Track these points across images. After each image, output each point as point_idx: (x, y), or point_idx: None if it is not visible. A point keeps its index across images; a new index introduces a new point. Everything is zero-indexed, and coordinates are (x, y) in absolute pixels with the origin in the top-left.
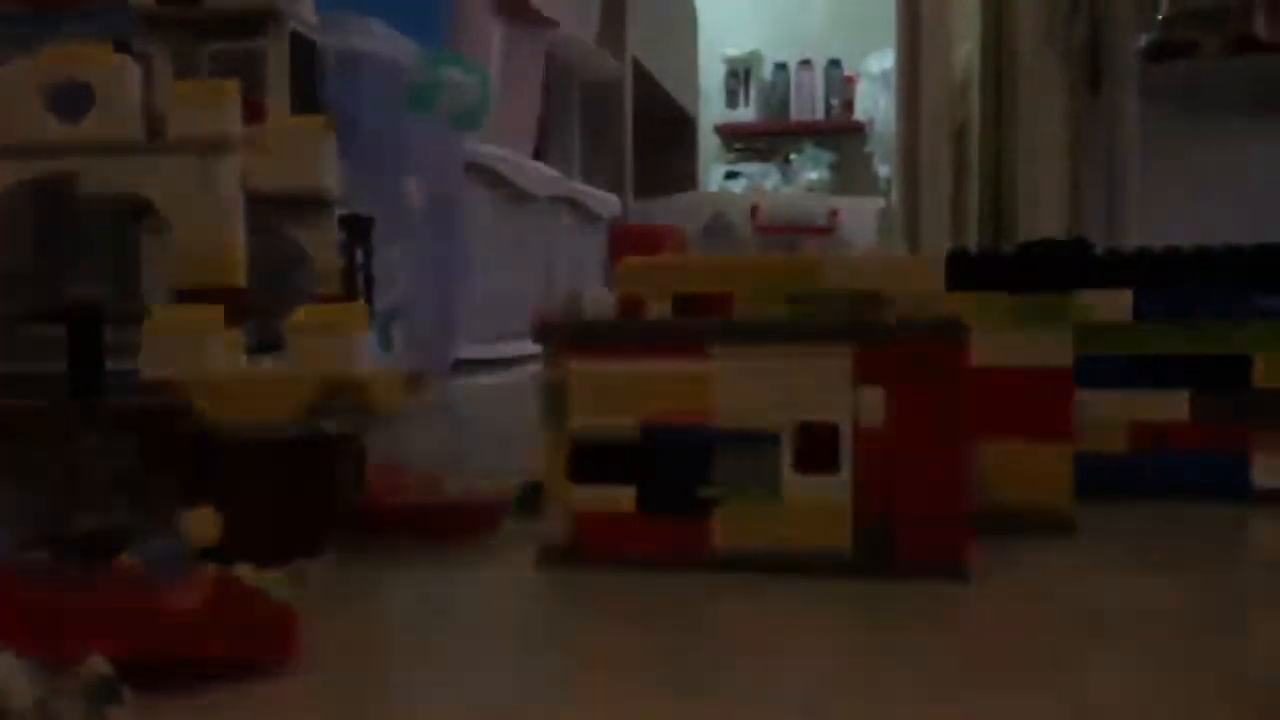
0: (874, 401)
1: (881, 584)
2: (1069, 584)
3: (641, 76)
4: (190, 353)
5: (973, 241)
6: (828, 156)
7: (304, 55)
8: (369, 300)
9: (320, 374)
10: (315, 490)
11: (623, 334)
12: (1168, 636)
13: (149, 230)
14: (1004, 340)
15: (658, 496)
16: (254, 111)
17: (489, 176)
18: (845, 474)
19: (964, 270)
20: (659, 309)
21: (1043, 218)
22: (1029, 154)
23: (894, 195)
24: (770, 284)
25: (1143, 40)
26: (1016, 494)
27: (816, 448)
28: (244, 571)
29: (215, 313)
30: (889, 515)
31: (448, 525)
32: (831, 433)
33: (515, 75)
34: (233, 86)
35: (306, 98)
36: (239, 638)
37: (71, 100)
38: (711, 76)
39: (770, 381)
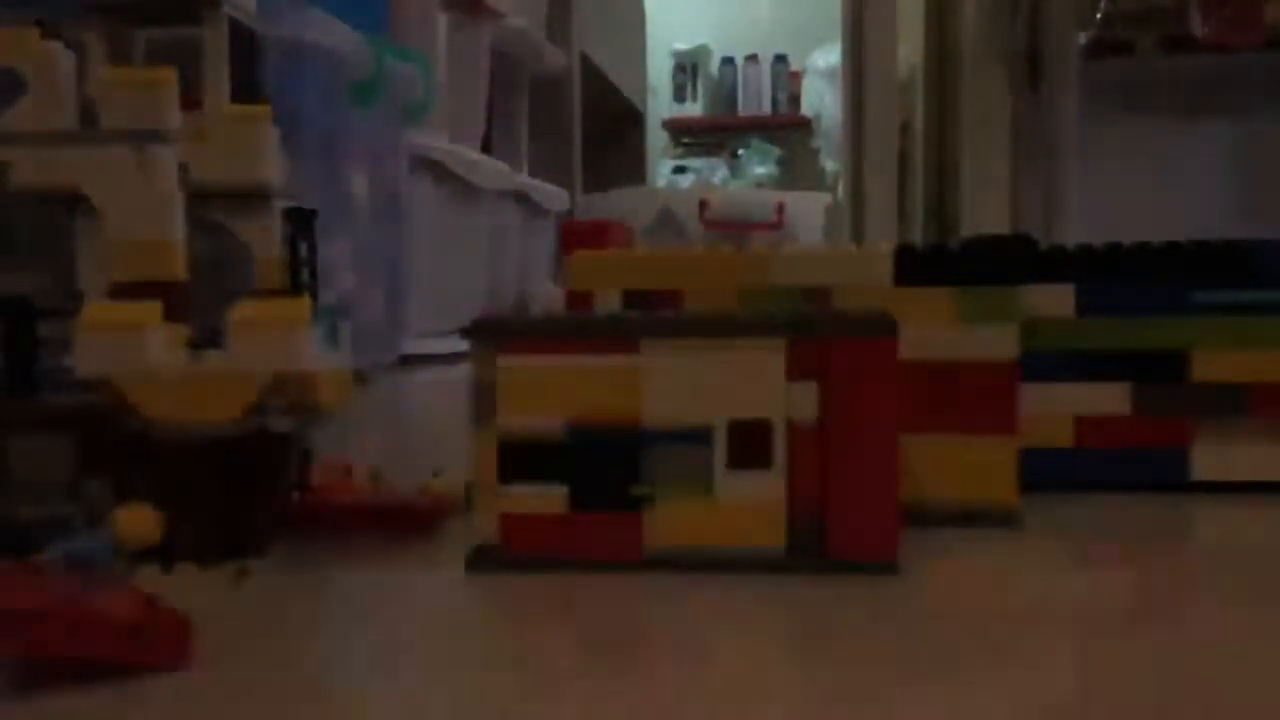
0: (806, 396)
1: (814, 581)
2: (1008, 578)
3: (589, 70)
4: (127, 349)
5: (917, 237)
6: (775, 151)
7: (243, 44)
8: (313, 295)
9: (263, 370)
10: (258, 489)
11: (551, 330)
12: (1102, 630)
13: (83, 222)
14: (951, 335)
15: (589, 495)
16: (191, 102)
17: (435, 170)
18: (779, 470)
19: (911, 265)
20: (609, 304)
21: (986, 214)
22: (972, 151)
23: (840, 190)
24: (721, 279)
25: (1082, 39)
26: (963, 488)
27: (749, 444)
28: (186, 572)
29: (153, 308)
30: (821, 511)
31: (393, 524)
32: (764, 429)
33: (461, 67)
34: (169, 74)
35: (246, 88)
36: (129, 640)
37: (1, 88)
38: (660, 71)
39: (702, 377)
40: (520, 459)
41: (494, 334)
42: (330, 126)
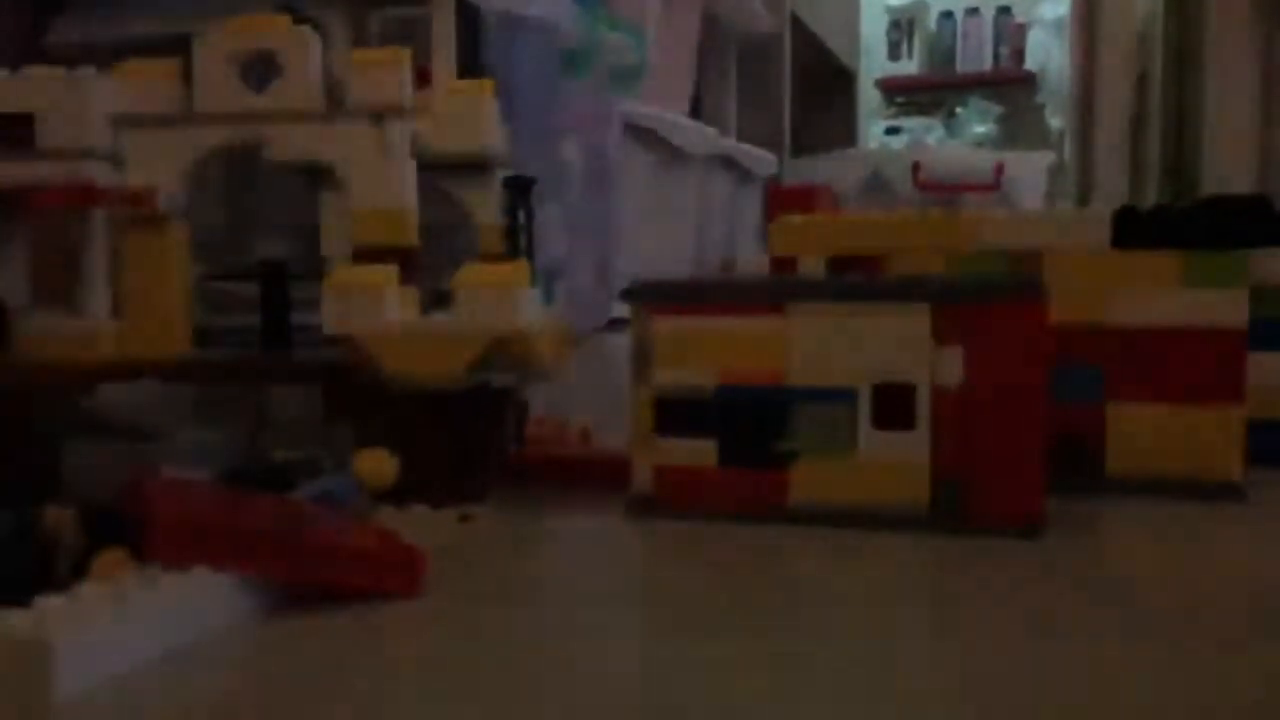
0: (951, 361)
1: (955, 539)
2: (1185, 550)
3: (800, 31)
4: (368, 309)
5: (1151, 198)
6: (995, 109)
7: (468, 20)
8: (530, 259)
9: (486, 329)
10: (480, 439)
11: (703, 293)
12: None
13: (327, 193)
14: (1172, 300)
15: (737, 450)
16: (422, 77)
17: (645, 136)
18: (922, 432)
19: (1131, 228)
20: (813, 269)
21: (1229, 170)
22: (1216, 101)
23: (1067, 149)
24: (926, 242)
25: None
26: (1184, 459)
27: (893, 405)
28: (418, 512)
29: (390, 271)
30: (964, 473)
31: (600, 477)
32: (908, 391)
33: (672, 34)
34: (405, 54)
35: (470, 62)
36: (370, 568)
37: (259, 70)
38: (873, 28)
39: (848, 340)
40: (673, 414)
41: (649, 297)
42: (546, 97)
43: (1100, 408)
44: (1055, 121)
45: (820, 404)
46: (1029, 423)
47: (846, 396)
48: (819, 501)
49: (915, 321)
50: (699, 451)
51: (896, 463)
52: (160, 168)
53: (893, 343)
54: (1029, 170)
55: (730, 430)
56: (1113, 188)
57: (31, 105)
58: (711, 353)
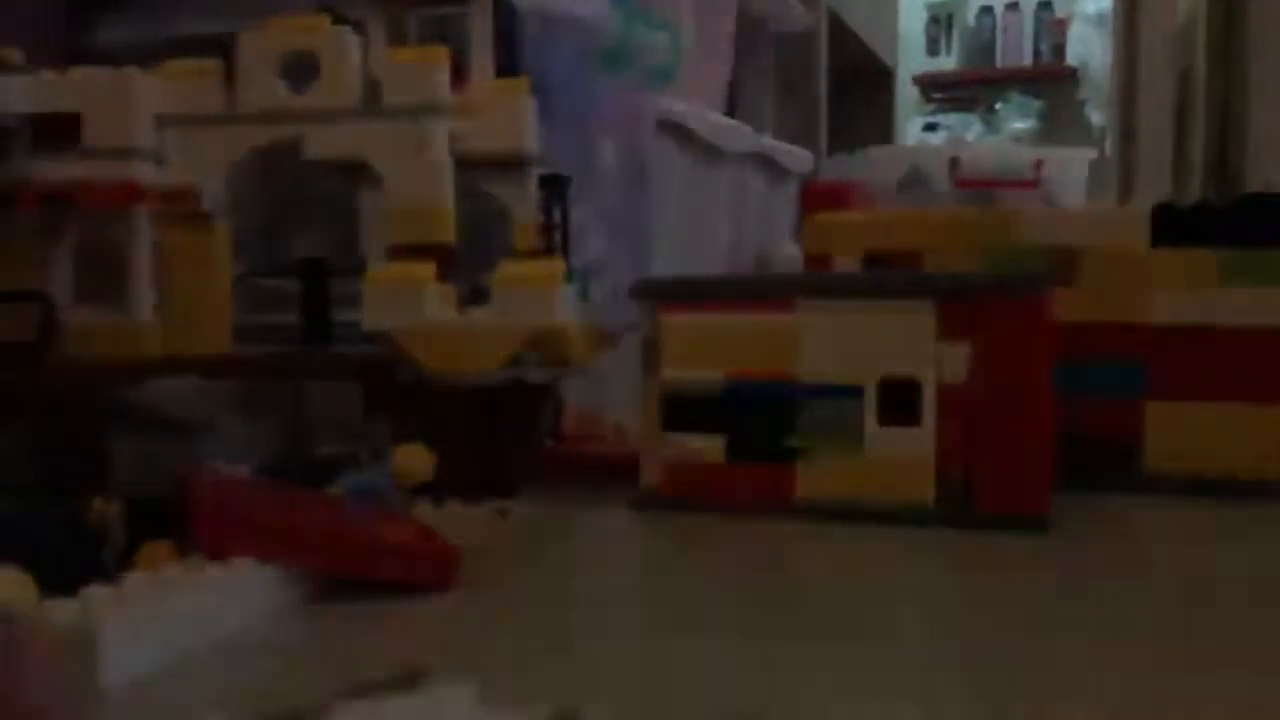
0: (956, 357)
1: (962, 534)
2: (1219, 549)
3: (837, 27)
4: (407, 305)
5: (1194, 195)
6: (1036, 105)
7: (504, 19)
8: (566, 256)
9: (523, 325)
10: (516, 434)
11: (709, 289)
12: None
13: (365, 191)
14: (1211, 298)
15: (744, 446)
16: (459, 75)
17: (679, 134)
18: (928, 428)
19: (1171, 224)
20: (847, 266)
21: (1274, 167)
22: (1260, 97)
23: (1109, 145)
24: (962, 240)
25: None
26: (1222, 458)
27: (899, 401)
28: (454, 507)
29: (428, 268)
30: (970, 468)
31: (634, 474)
32: (914, 387)
33: (707, 31)
34: (443, 53)
35: (506, 60)
36: (406, 565)
37: (299, 70)
38: (912, 23)
39: (854, 336)
40: (681, 410)
41: (656, 293)
42: (581, 95)
43: (1140, 406)
44: (1097, 117)
45: (827, 400)
46: (1036, 418)
47: (853, 393)
48: (826, 497)
49: (920, 318)
50: (707, 447)
51: (902, 458)
52: (202, 167)
53: (898, 339)
54: (1070, 167)
55: (738, 426)
56: (1155, 185)
57: (79, 105)
58: (719, 349)
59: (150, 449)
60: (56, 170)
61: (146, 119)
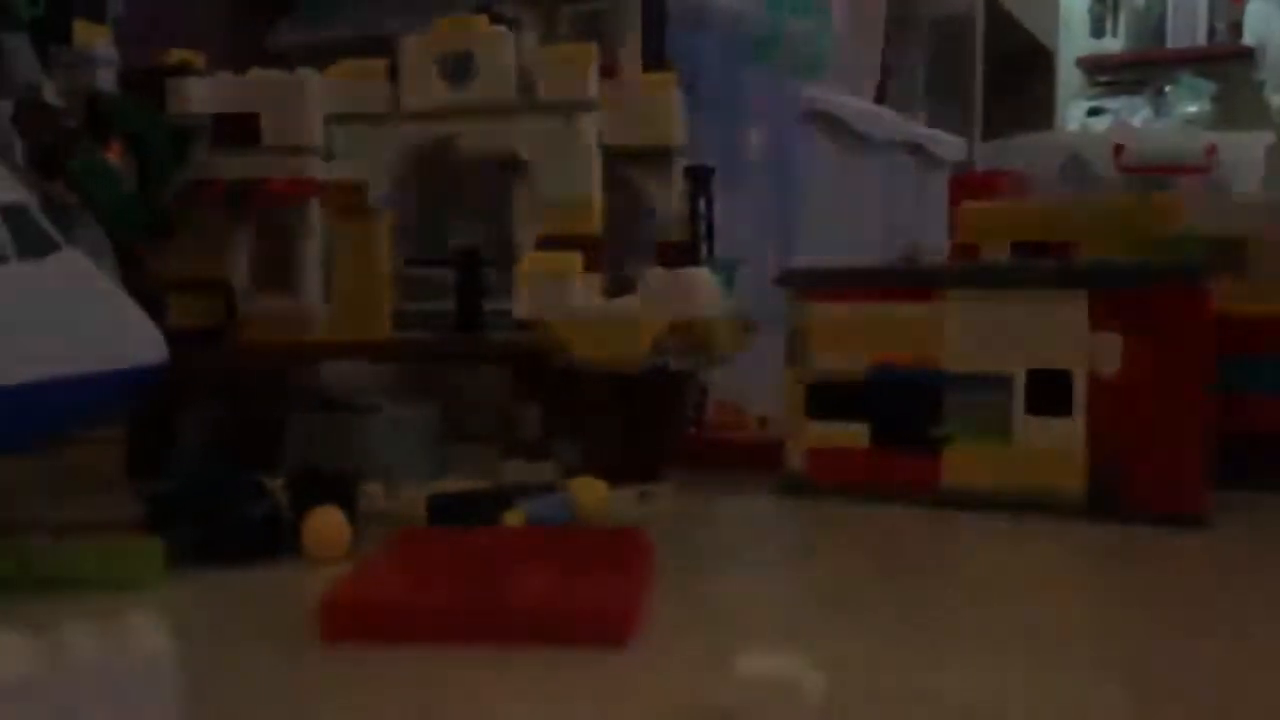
0: (1109, 348)
1: (1114, 528)
2: None
3: (994, 8)
4: (557, 294)
5: None
6: (1208, 87)
7: (653, 12)
8: (710, 247)
9: (668, 316)
10: (659, 420)
11: (856, 278)
12: None
13: (517, 183)
14: None
15: (889, 434)
16: (607, 70)
17: (828, 122)
18: (1078, 419)
19: None
20: (995, 255)
21: None
22: None
23: None
24: (1115, 229)
25: None
26: None
27: (1049, 392)
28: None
29: (576, 258)
30: (1122, 460)
31: (774, 461)
32: (1065, 378)
33: (858, 17)
34: (592, 49)
35: (654, 53)
36: (570, 631)
37: (457, 68)
38: (1074, 3)
39: (1001, 325)
40: (827, 397)
41: (802, 282)
42: (729, 86)
43: None
44: (1276, 100)
45: (974, 389)
46: (1190, 411)
47: (1000, 382)
48: (971, 486)
49: (1072, 307)
50: (852, 434)
51: (1052, 449)
52: (367, 162)
53: (1049, 329)
54: (1245, 151)
55: (883, 414)
56: None
57: (257, 105)
58: (864, 337)
59: (325, 425)
60: (236, 167)
61: (319, 118)
